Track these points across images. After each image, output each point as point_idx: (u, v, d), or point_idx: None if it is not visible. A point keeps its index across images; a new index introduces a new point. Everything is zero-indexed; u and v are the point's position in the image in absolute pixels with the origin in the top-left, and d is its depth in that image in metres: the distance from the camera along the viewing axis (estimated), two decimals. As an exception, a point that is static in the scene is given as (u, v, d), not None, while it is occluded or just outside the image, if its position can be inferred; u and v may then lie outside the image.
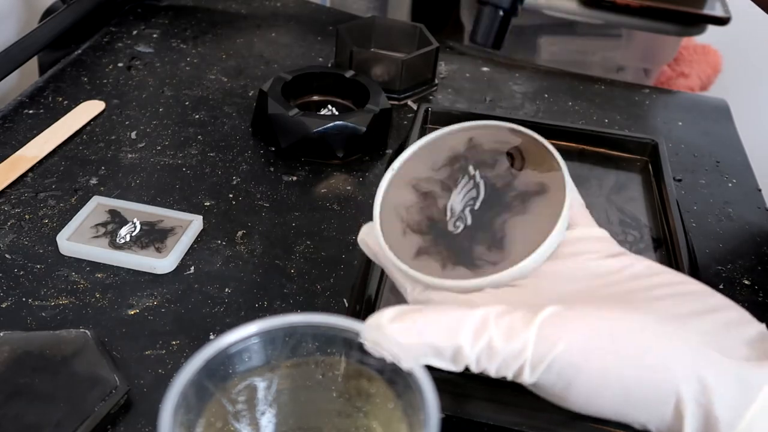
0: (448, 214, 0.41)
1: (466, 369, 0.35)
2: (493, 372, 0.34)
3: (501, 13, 0.48)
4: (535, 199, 0.41)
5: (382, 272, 0.48)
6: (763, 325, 0.34)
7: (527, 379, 0.34)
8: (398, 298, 0.48)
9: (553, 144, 0.42)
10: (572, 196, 0.40)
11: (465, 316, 0.35)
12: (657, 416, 0.33)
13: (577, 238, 0.40)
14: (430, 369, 0.31)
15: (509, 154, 0.43)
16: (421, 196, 0.42)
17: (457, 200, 0.41)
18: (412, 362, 0.33)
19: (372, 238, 0.42)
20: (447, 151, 0.44)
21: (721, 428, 0.31)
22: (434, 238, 0.41)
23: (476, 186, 0.42)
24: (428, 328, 0.34)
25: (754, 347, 0.33)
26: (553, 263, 0.39)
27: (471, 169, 0.42)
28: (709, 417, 0.31)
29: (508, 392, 0.42)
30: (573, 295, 0.37)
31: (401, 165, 0.43)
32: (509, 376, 0.34)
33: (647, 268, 0.38)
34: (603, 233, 0.41)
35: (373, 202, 0.42)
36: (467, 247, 0.40)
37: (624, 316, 0.34)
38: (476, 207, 0.41)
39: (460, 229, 0.41)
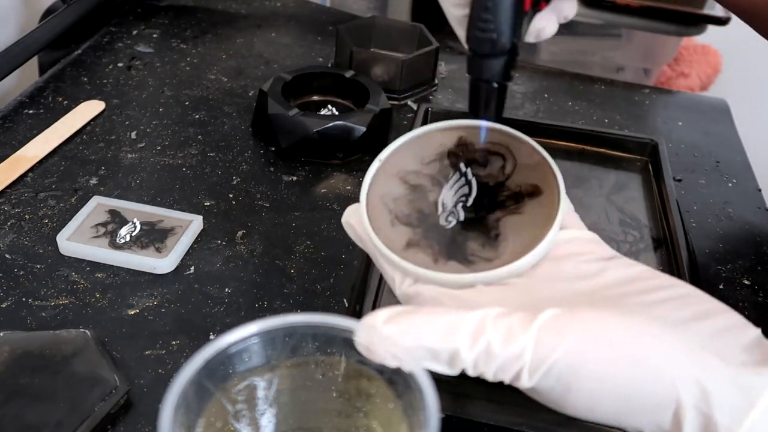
0: (440, 208, 0.40)
1: (462, 373, 0.34)
2: (490, 376, 0.34)
3: (495, 85, 0.43)
4: (529, 200, 0.40)
5: (382, 272, 0.48)
6: (759, 330, 0.34)
7: (525, 383, 0.33)
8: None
9: (553, 144, 0.41)
10: (565, 198, 0.40)
11: (462, 318, 0.34)
12: (655, 422, 0.32)
13: (569, 239, 0.39)
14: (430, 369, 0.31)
15: (501, 155, 0.42)
16: (409, 189, 0.41)
17: (448, 196, 0.41)
18: (408, 365, 0.33)
19: (357, 220, 0.41)
20: (436, 147, 0.43)
21: None
22: (425, 232, 0.39)
23: (468, 183, 0.41)
24: (424, 330, 0.34)
25: (751, 352, 0.33)
26: (545, 264, 0.38)
27: (462, 166, 0.41)
28: (708, 423, 0.31)
29: (508, 392, 0.42)
30: (567, 297, 0.36)
31: (388, 156, 0.42)
32: (507, 380, 0.34)
33: (641, 272, 0.37)
34: (593, 236, 0.40)
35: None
36: (460, 242, 0.39)
37: (622, 320, 0.34)
38: (468, 203, 0.40)
39: (452, 224, 0.40)
